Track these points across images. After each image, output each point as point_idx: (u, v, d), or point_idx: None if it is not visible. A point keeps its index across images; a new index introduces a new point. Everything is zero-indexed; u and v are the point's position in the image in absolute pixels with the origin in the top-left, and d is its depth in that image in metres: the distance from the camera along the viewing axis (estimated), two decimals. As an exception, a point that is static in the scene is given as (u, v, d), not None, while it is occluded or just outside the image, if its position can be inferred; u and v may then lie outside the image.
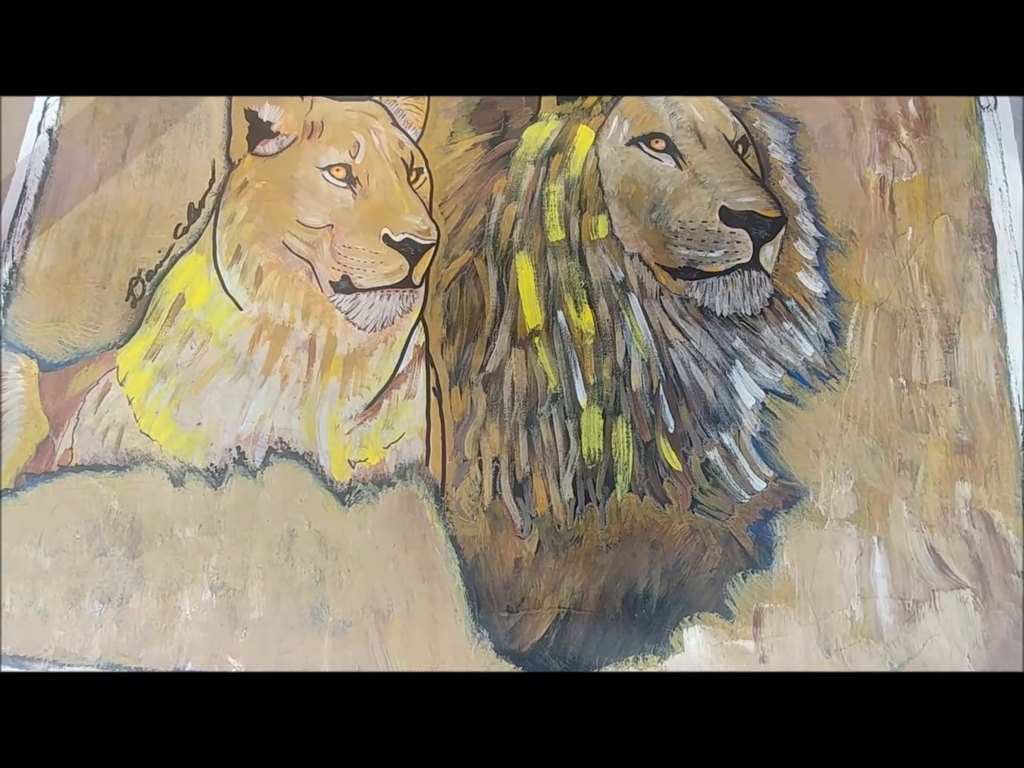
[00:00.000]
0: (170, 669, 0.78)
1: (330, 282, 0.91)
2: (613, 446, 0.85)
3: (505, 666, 0.78)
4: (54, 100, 0.98)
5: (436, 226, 0.93)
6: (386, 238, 0.91)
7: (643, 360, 0.88)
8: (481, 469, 0.85)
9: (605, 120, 0.98)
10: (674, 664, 0.78)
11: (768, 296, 0.91)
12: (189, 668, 0.78)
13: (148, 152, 0.96)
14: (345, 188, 0.94)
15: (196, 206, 0.93)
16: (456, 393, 0.87)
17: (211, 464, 0.84)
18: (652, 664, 0.78)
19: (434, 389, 0.87)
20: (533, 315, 0.90)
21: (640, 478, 0.84)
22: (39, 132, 0.96)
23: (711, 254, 0.92)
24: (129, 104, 0.97)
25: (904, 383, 0.88)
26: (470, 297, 0.91)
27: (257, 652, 0.79)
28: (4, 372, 0.86)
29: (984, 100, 1.00)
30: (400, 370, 0.88)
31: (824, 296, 0.91)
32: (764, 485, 0.84)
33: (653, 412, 0.87)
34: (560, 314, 0.90)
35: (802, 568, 0.81)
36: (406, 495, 0.84)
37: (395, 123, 0.97)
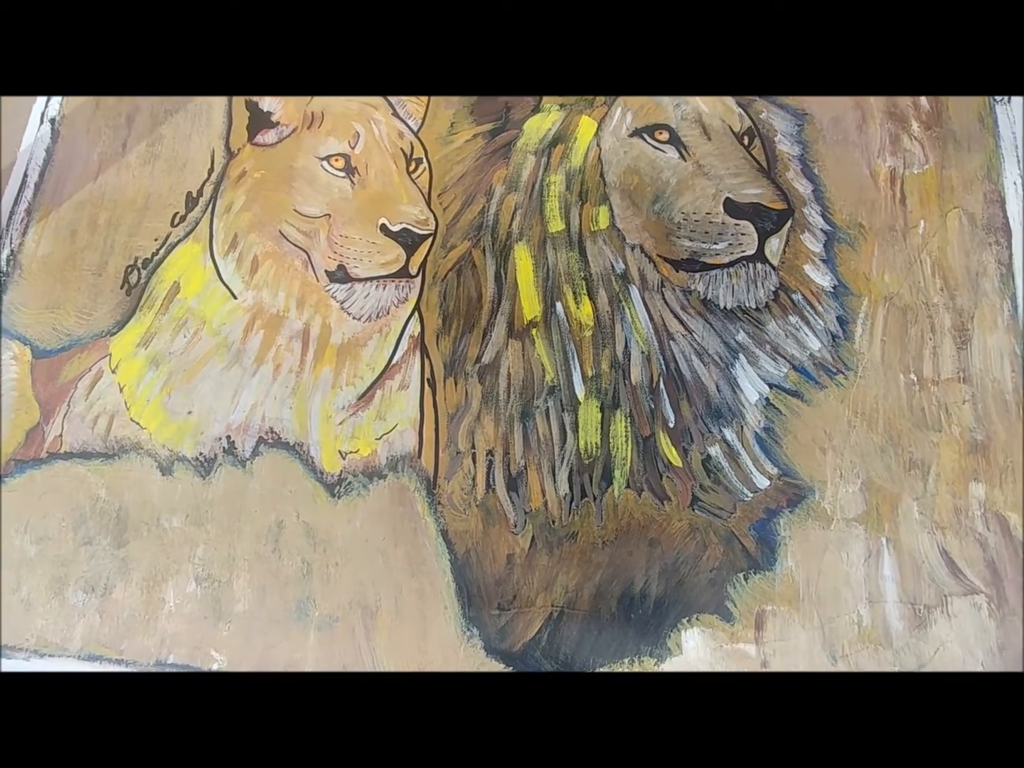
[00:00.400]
0: (151, 661, 0.75)
1: (326, 271, 0.88)
2: (611, 440, 0.82)
3: (495, 666, 0.74)
4: (57, 90, 0.97)
5: (434, 216, 0.90)
6: (383, 228, 0.89)
7: (643, 353, 0.85)
8: (475, 462, 0.81)
9: (608, 111, 0.95)
10: (671, 667, 0.73)
11: (773, 289, 0.87)
12: (171, 661, 0.75)
13: (148, 142, 0.94)
14: (344, 178, 0.92)
15: (194, 195, 0.92)
16: (451, 384, 0.84)
17: (200, 453, 0.81)
18: (648, 667, 0.74)
19: (428, 380, 0.84)
20: (531, 306, 0.87)
21: (638, 474, 0.81)
22: (42, 121, 0.95)
23: (715, 246, 0.88)
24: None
25: (915, 379, 0.83)
26: (467, 288, 0.88)
27: (240, 646, 0.76)
28: (-2, 359, 0.85)
29: (998, 95, 0.96)
30: (394, 360, 0.85)
31: (832, 290, 0.87)
32: (768, 483, 0.80)
33: (653, 406, 0.83)
34: (559, 305, 0.87)
35: (807, 570, 0.77)
36: (397, 488, 0.81)
37: (395, 114, 0.95)
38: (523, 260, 0.89)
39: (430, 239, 0.89)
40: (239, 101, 0.96)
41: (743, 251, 0.88)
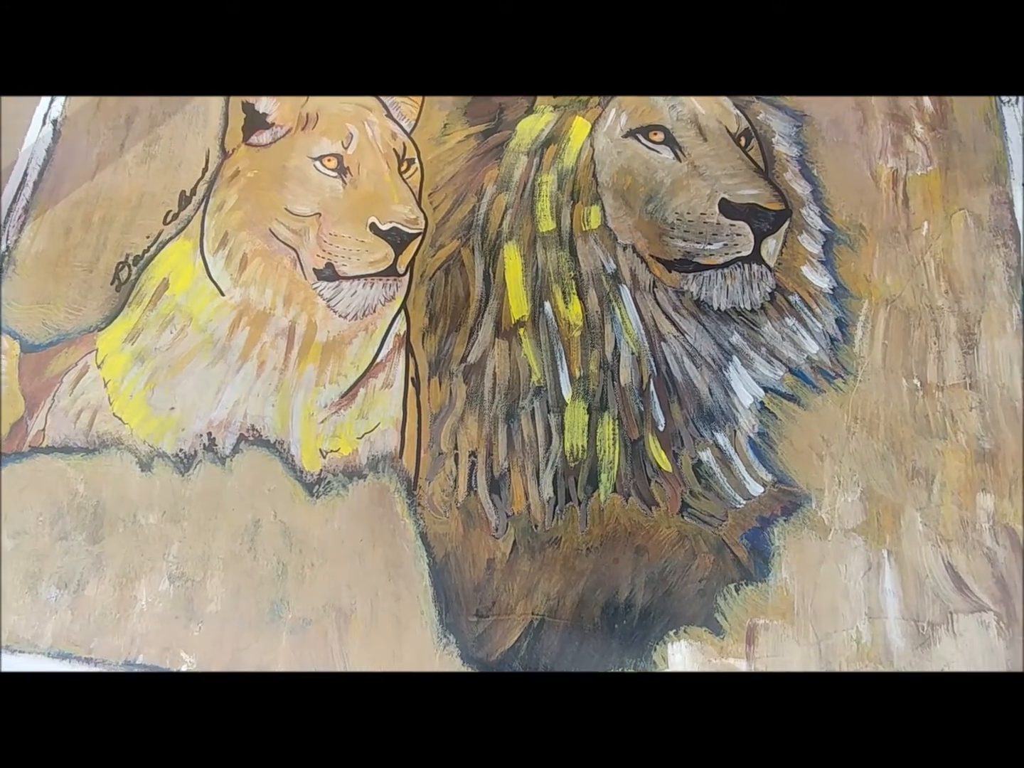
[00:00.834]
0: (120, 662, 0.72)
1: (314, 269, 0.86)
2: (598, 443, 0.78)
3: (470, 675, 0.70)
4: (60, 93, 0.97)
5: (424, 215, 0.88)
6: (373, 227, 0.87)
7: (633, 354, 0.81)
8: (457, 463, 0.78)
9: (602, 112, 0.93)
10: (655, 682, 0.68)
11: (770, 290, 0.83)
12: (140, 661, 0.72)
13: (146, 142, 0.94)
14: (335, 178, 0.90)
15: (187, 194, 0.91)
16: (435, 384, 0.81)
17: (180, 450, 0.79)
18: (631, 681, 0.68)
19: (412, 379, 0.81)
20: (519, 305, 0.84)
21: (626, 478, 0.76)
22: (44, 122, 0.95)
23: (709, 246, 0.85)
24: (131, 97, 0.96)
25: (919, 384, 0.78)
26: (455, 286, 0.85)
27: (211, 648, 0.72)
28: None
29: (1005, 95, 0.91)
30: (379, 359, 0.82)
31: (831, 291, 0.83)
32: (762, 490, 0.75)
33: (642, 408, 0.79)
34: (547, 305, 0.83)
35: (802, 582, 0.72)
36: (377, 488, 0.77)
37: (389, 115, 0.94)
38: (512, 259, 0.86)
39: (419, 238, 0.87)
40: (235, 103, 0.95)
41: (738, 252, 0.85)
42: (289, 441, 0.80)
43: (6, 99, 0.92)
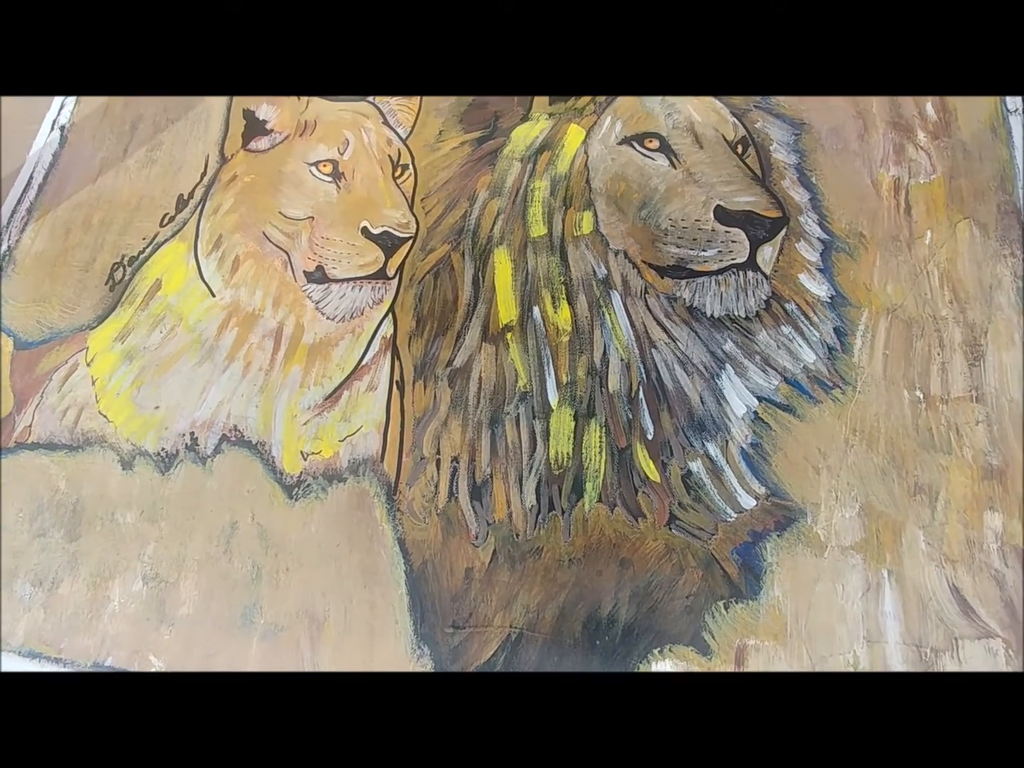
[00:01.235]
0: (89, 663, 0.70)
1: (304, 272, 0.85)
2: (584, 451, 0.74)
3: (442, 689, 0.65)
4: (71, 99, 0.98)
5: (416, 220, 0.86)
6: (364, 230, 0.85)
7: (623, 360, 0.78)
8: (438, 468, 0.75)
9: (597, 120, 0.91)
10: (636, 703, 0.63)
11: (765, 298, 0.80)
12: (108, 664, 0.69)
13: (149, 147, 0.94)
14: (330, 182, 0.89)
15: (185, 197, 0.90)
16: (420, 387, 0.79)
17: (162, 449, 0.77)
18: (611, 701, 0.64)
19: (397, 382, 0.79)
20: (507, 310, 0.81)
21: (612, 487, 0.72)
22: (52, 128, 0.96)
23: (703, 253, 0.82)
24: (137, 103, 0.97)
25: (921, 397, 0.74)
26: (443, 290, 0.83)
27: (180, 652, 0.69)
28: (-21, 350, 0.83)
29: (1011, 103, 0.88)
30: (364, 361, 0.80)
31: (829, 300, 0.79)
32: (754, 503, 0.71)
33: (631, 416, 0.75)
34: (536, 310, 0.81)
35: (796, 601, 0.67)
36: (357, 492, 0.74)
37: (386, 122, 0.93)
38: (502, 264, 0.83)
39: (410, 242, 0.85)
40: (237, 110, 0.95)
41: (733, 259, 0.81)
42: (271, 442, 0.77)
43: (18, 107, 0.93)
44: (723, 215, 0.83)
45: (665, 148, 0.88)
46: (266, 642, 0.69)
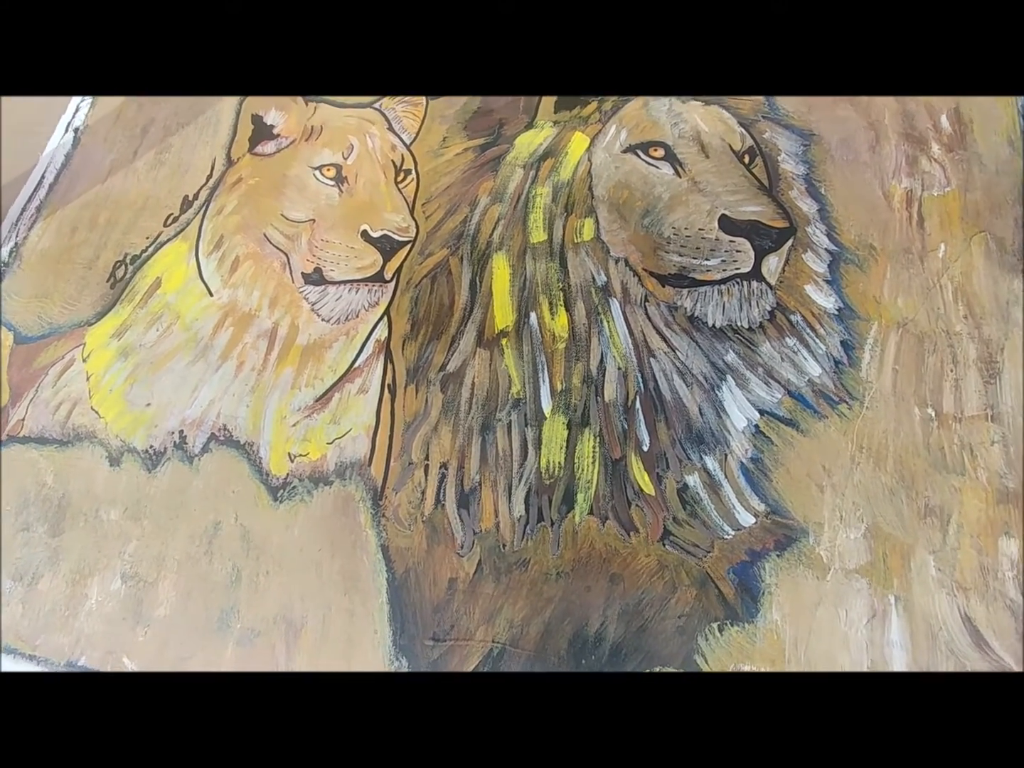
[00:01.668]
0: (63, 662, 0.67)
1: (302, 273, 0.84)
2: (576, 461, 0.71)
3: (419, 704, 0.62)
4: (86, 103, 0.99)
5: (416, 224, 0.85)
6: (364, 234, 0.84)
7: (620, 369, 0.75)
8: (426, 474, 0.72)
9: (602, 128, 0.89)
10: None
11: (769, 309, 0.76)
12: (82, 663, 0.67)
13: (158, 150, 0.95)
14: (333, 186, 0.88)
15: (190, 198, 0.90)
16: (411, 391, 0.76)
17: (151, 446, 0.76)
18: (595, 724, 0.60)
19: (389, 386, 0.77)
20: (504, 315, 0.79)
21: (604, 499, 0.69)
22: (67, 130, 0.96)
23: (706, 262, 0.79)
24: (150, 107, 0.97)
25: (933, 414, 0.69)
26: (440, 294, 0.81)
27: (154, 655, 0.67)
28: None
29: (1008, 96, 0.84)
30: (357, 364, 0.78)
31: (836, 312, 0.76)
32: (753, 520, 0.67)
33: (626, 426, 0.72)
34: (533, 316, 0.78)
35: (795, 626, 0.62)
36: (342, 496, 0.72)
37: (391, 128, 0.92)
38: (500, 269, 0.81)
39: (408, 246, 0.84)
40: (246, 115, 0.95)
41: (737, 268, 0.78)
42: (259, 443, 0.75)
43: (33, 108, 0.94)
44: (728, 224, 0.80)
45: (670, 157, 0.86)
46: (241, 647, 0.67)
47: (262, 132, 0.94)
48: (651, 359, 0.75)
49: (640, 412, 0.73)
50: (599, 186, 0.85)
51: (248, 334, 0.81)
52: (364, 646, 0.66)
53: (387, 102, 0.94)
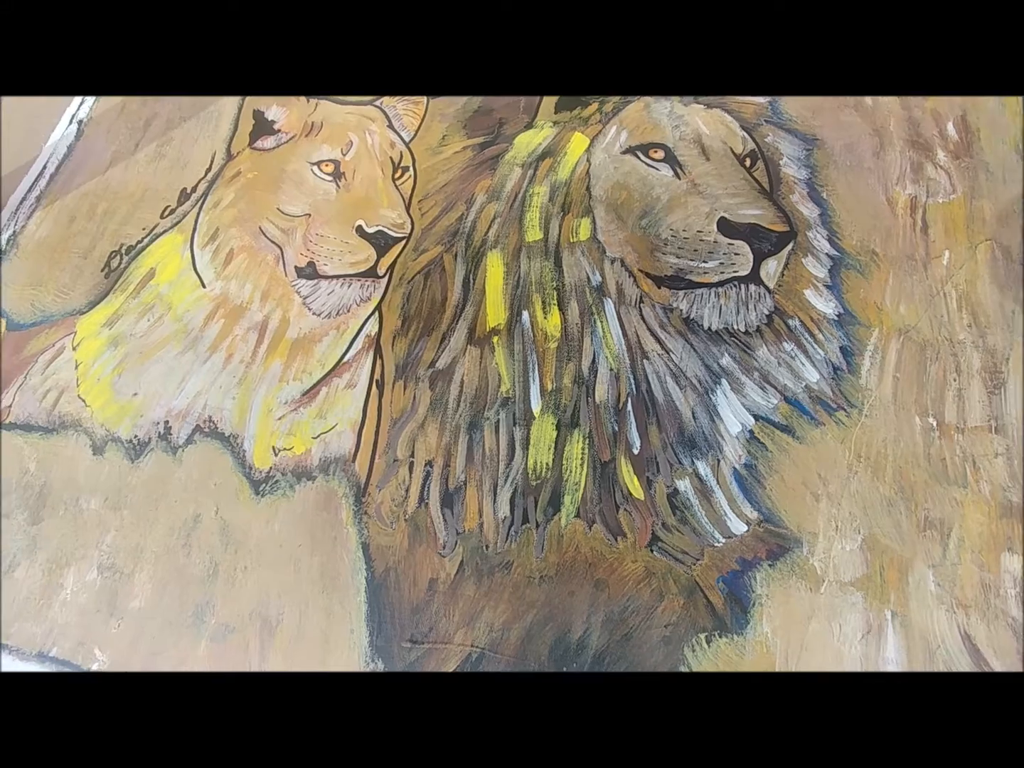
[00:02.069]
0: (34, 652, 0.65)
1: (296, 267, 0.82)
2: (564, 462, 0.68)
3: (392, 708, 0.59)
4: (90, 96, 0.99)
5: (412, 221, 0.83)
6: (359, 229, 0.83)
7: (612, 370, 0.72)
8: (411, 472, 0.70)
9: (602, 129, 0.87)
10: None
11: (767, 313, 0.74)
12: (53, 654, 0.65)
13: (159, 143, 0.94)
14: (330, 182, 0.87)
15: (188, 191, 0.89)
16: (400, 387, 0.74)
17: (135, 436, 0.74)
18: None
19: (377, 381, 0.75)
20: (496, 313, 0.77)
21: (592, 502, 0.67)
22: (71, 122, 0.96)
23: (704, 264, 0.77)
24: (154, 102, 0.97)
25: (934, 424, 0.67)
26: (432, 291, 0.79)
27: (126, 648, 0.65)
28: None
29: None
30: (346, 358, 0.76)
31: (836, 318, 0.73)
32: (745, 528, 0.64)
33: (617, 428, 0.70)
34: (525, 314, 0.76)
35: (786, 639, 0.59)
36: (325, 491, 0.70)
37: (391, 125, 0.91)
38: (494, 267, 0.80)
39: (403, 242, 0.82)
40: (247, 110, 0.95)
41: (735, 271, 0.76)
42: (244, 436, 0.74)
43: (38, 100, 0.94)
44: (727, 227, 0.78)
45: (670, 159, 0.84)
46: (215, 643, 0.64)
47: (263, 127, 0.93)
48: (644, 361, 0.73)
49: (631, 414, 0.71)
50: (597, 186, 0.84)
51: (239, 326, 0.80)
52: (340, 646, 0.63)
53: (388, 100, 0.93)
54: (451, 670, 0.61)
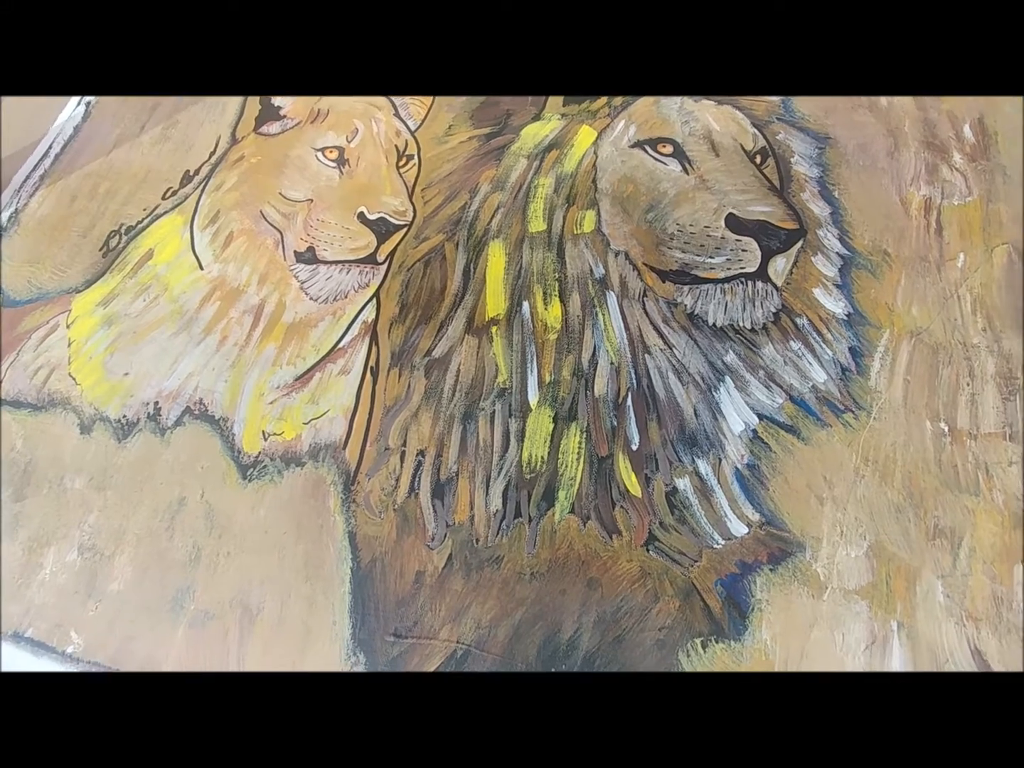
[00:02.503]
0: (10, 632, 0.63)
1: (295, 252, 0.81)
2: (560, 456, 0.66)
3: (371, 704, 0.56)
4: (99, 79, 0.98)
5: (414, 209, 0.82)
6: (361, 216, 0.81)
7: (612, 364, 0.70)
8: (402, 461, 0.67)
9: (611, 123, 0.85)
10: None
11: (774, 310, 0.72)
12: (28, 635, 0.63)
13: (165, 126, 0.93)
14: (334, 168, 0.86)
15: (191, 173, 0.88)
16: (394, 375, 0.72)
17: (124, 416, 0.72)
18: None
19: (372, 368, 0.72)
20: (496, 303, 0.75)
21: (587, 498, 0.64)
22: (79, 103, 0.95)
23: (710, 260, 0.74)
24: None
25: (946, 429, 0.64)
26: (432, 279, 0.77)
27: (102, 631, 0.62)
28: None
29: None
30: (341, 344, 0.74)
31: (845, 317, 0.71)
32: (746, 530, 0.61)
33: (615, 423, 0.67)
34: (525, 305, 0.74)
35: (786, 647, 0.56)
36: (313, 478, 0.68)
37: (397, 114, 0.90)
38: (496, 256, 0.78)
39: (404, 230, 0.80)
40: (254, 97, 0.93)
41: (742, 268, 0.74)
42: (234, 419, 0.71)
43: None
44: (735, 223, 0.76)
45: (679, 154, 0.82)
46: (193, 630, 0.62)
47: (269, 113, 0.92)
48: (646, 355, 0.71)
49: (631, 409, 0.68)
50: (603, 179, 0.82)
51: (234, 309, 0.78)
52: (322, 638, 0.61)
53: (395, 89, 0.91)
54: (435, 667, 0.59)
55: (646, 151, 0.83)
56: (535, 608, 0.60)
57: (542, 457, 0.66)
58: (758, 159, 0.82)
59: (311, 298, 0.78)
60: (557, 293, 0.75)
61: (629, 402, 0.68)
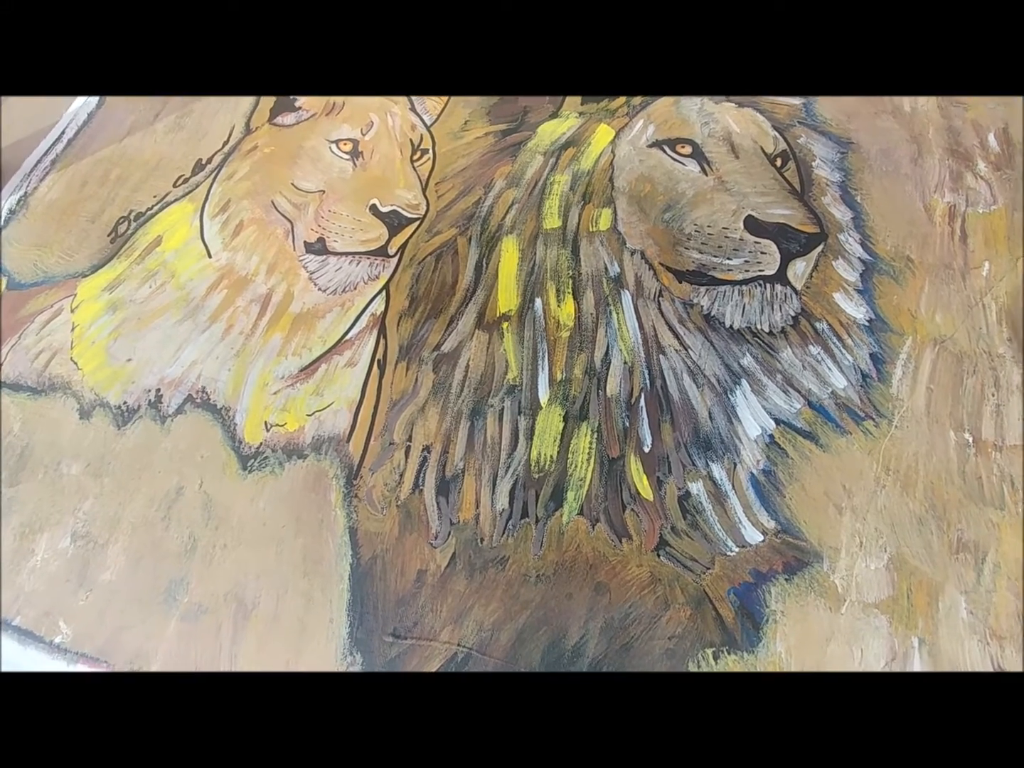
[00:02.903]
0: (-5, 621, 0.61)
1: (305, 242, 0.79)
2: (570, 456, 0.64)
3: (367, 706, 0.54)
4: (116, 67, 0.97)
5: (427, 202, 0.80)
6: (373, 208, 0.80)
7: (626, 363, 0.68)
8: (407, 456, 0.65)
9: (629, 122, 0.84)
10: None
11: (793, 314, 0.70)
12: (16, 623, 0.61)
13: (179, 114, 0.92)
14: (347, 160, 0.85)
15: (203, 162, 0.87)
16: (402, 368, 0.70)
17: (124, 402, 0.71)
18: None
19: (379, 361, 0.71)
20: (508, 299, 0.73)
21: (597, 500, 0.62)
22: (94, 91, 0.94)
23: (728, 261, 0.73)
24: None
25: (970, 440, 0.61)
26: (443, 273, 0.76)
27: (92, 622, 0.60)
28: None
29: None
30: (349, 336, 0.73)
31: (867, 323, 0.69)
32: (761, 538, 0.59)
33: (628, 424, 0.65)
34: (538, 301, 0.72)
35: (801, 661, 0.54)
36: (315, 471, 0.66)
37: (413, 109, 0.89)
38: (509, 252, 0.76)
39: (416, 223, 0.79)
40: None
41: (761, 270, 0.72)
42: (236, 409, 0.70)
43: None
44: (754, 225, 0.74)
45: (697, 155, 0.81)
46: (185, 623, 0.60)
47: (284, 104, 0.91)
48: (660, 356, 0.69)
49: (644, 410, 0.66)
50: (620, 177, 0.80)
51: (241, 298, 0.76)
52: (317, 636, 0.58)
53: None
54: (434, 670, 0.56)
55: (664, 151, 0.81)
56: (540, 612, 0.58)
57: (551, 457, 0.64)
58: (778, 162, 0.80)
59: (320, 289, 0.77)
60: (571, 290, 0.73)
61: (642, 403, 0.66)
